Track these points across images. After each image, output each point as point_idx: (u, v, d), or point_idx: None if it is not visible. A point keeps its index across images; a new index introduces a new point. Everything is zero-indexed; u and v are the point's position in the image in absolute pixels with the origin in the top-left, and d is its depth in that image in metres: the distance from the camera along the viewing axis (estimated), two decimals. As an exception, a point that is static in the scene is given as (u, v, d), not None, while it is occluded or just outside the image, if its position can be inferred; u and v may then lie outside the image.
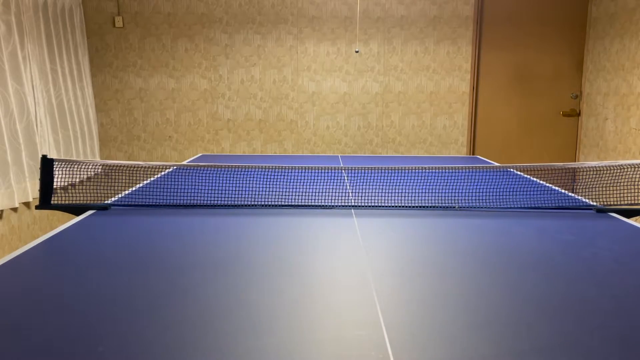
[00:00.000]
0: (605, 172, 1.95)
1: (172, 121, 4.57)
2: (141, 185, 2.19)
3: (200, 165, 1.98)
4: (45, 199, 1.77)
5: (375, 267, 1.24)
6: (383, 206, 1.84)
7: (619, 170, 1.92)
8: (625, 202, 1.82)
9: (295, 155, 3.70)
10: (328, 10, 4.41)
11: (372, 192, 2.05)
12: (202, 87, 4.51)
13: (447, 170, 2.45)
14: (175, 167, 2.60)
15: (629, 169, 1.89)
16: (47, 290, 1.10)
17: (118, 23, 4.36)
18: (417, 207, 1.83)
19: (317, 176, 2.34)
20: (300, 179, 2.22)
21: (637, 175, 1.86)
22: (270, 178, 2.29)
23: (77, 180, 1.93)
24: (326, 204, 1.86)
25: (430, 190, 2.05)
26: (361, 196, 2.01)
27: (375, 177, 2.35)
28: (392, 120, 4.61)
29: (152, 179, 2.35)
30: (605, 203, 1.86)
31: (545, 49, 4.40)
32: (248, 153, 4.60)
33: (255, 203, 1.88)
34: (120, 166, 1.95)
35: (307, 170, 2.26)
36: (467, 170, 2.51)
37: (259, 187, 2.12)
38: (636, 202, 1.81)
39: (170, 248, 1.39)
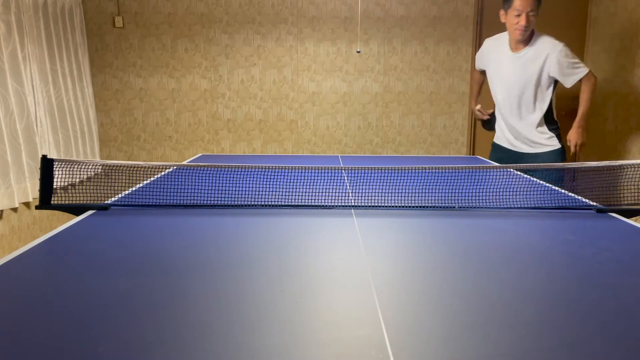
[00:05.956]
0: (605, 172, 1.95)
1: (172, 121, 4.57)
2: (141, 185, 2.19)
3: (200, 165, 1.98)
4: (45, 199, 1.77)
5: (375, 267, 1.24)
6: (383, 206, 1.84)
7: (619, 170, 1.92)
8: (625, 202, 1.82)
9: (295, 155, 3.70)
10: (328, 10, 4.41)
11: (372, 192, 2.04)
12: (202, 87, 4.51)
13: (447, 170, 2.45)
14: (175, 167, 2.60)
15: (629, 169, 1.89)
16: (47, 290, 1.10)
17: (118, 23, 4.36)
18: (417, 207, 1.83)
19: (317, 176, 2.34)
20: (300, 179, 2.22)
21: (637, 175, 1.86)
22: (270, 178, 2.29)
23: (77, 180, 1.93)
24: (326, 204, 1.86)
25: (430, 190, 2.05)
26: (361, 196, 2.01)
27: (375, 177, 2.35)
28: (392, 120, 4.62)
29: (152, 179, 2.35)
30: (605, 203, 1.86)
31: (545, 49, 4.39)
32: (248, 153, 4.60)
33: (255, 203, 1.88)
34: (120, 166, 1.95)
35: (307, 170, 2.26)
36: (467, 170, 2.51)
37: (259, 187, 2.12)
38: (636, 202, 1.81)
39: (170, 248, 1.39)
